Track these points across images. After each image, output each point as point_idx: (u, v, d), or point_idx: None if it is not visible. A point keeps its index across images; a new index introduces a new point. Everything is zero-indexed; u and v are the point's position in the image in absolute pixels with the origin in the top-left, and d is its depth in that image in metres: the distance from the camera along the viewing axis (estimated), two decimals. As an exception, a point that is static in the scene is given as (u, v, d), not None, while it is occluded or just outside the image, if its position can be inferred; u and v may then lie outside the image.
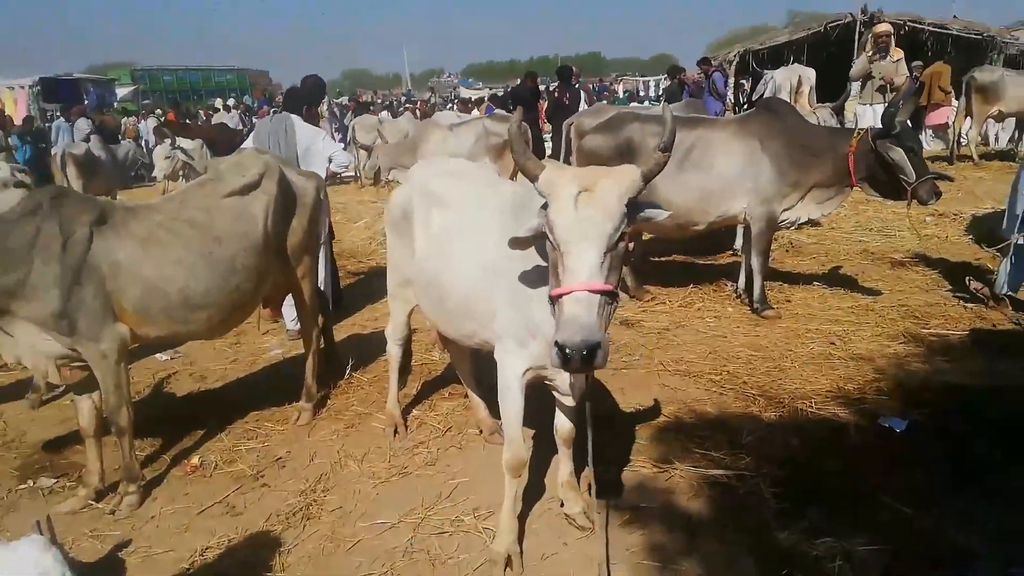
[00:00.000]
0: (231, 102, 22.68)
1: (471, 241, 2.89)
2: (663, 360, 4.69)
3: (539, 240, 2.34)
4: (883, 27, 9.96)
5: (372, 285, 6.73)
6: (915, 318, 5.20)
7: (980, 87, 10.84)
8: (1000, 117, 11.59)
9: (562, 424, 2.99)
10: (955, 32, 14.64)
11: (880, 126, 4.92)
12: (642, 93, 27.83)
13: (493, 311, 2.77)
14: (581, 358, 1.98)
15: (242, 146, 4.61)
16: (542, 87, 15.82)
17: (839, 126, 9.40)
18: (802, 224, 5.79)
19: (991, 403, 3.84)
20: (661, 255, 7.38)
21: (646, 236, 7.07)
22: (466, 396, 4.11)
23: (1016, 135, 12.69)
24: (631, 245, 6.24)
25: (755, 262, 5.42)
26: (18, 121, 14.68)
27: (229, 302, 3.63)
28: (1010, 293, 5.17)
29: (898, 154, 4.86)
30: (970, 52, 14.65)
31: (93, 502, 3.40)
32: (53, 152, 11.20)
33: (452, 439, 3.87)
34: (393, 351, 3.93)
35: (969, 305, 5.35)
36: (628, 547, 2.88)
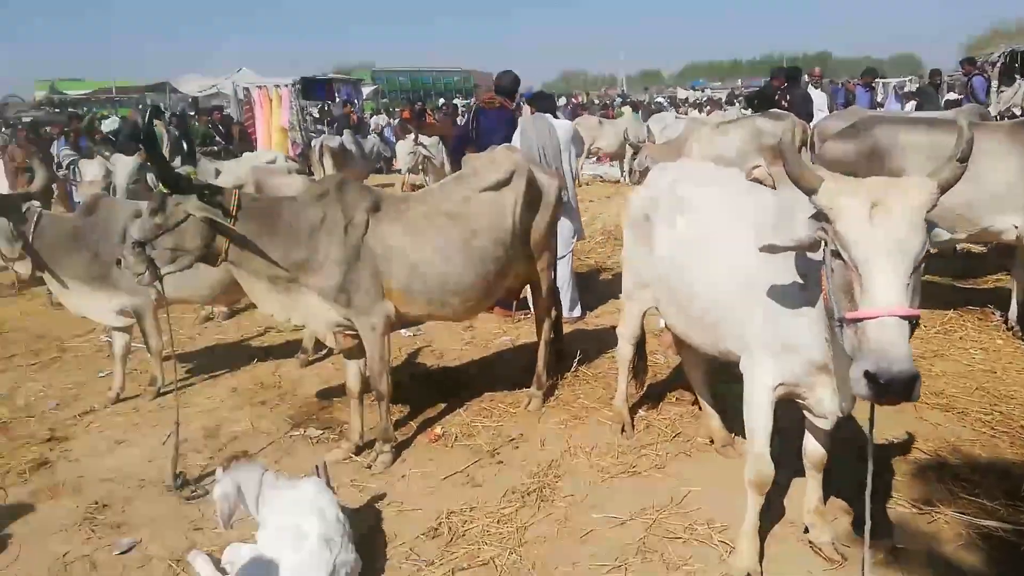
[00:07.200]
0: (457, 101, 23.79)
1: (723, 249, 2.81)
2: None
3: (800, 250, 2.26)
4: None
5: (597, 284, 6.84)
6: None
7: None
8: None
9: (813, 448, 2.82)
10: None
11: None
12: (880, 98, 25.01)
13: (743, 321, 2.68)
14: (900, 390, 1.83)
15: (504, 144, 4.85)
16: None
17: None
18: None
19: None
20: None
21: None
22: (695, 403, 4.03)
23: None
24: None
25: (1036, 289, 4.75)
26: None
27: (480, 288, 3.87)
28: None
29: None
30: None
31: (353, 455, 3.80)
32: (312, 144, 12.59)
33: (680, 445, 3.80)
34: (624, 350, 3.94)
35: None
36: (883, 589, 2.65)
